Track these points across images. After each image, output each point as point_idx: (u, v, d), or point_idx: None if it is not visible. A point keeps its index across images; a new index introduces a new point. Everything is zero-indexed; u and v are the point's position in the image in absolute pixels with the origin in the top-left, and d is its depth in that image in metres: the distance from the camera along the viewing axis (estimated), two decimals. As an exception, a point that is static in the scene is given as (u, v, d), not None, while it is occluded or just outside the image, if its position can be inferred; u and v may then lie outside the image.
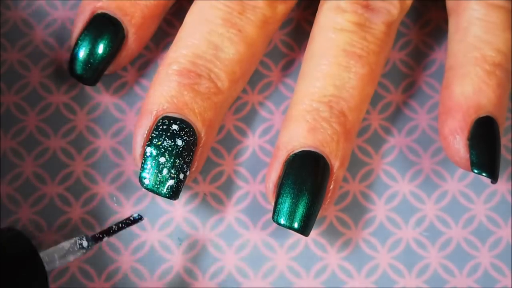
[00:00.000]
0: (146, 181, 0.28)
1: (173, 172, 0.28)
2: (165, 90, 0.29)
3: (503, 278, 0.30)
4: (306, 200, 0.28)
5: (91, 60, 0.30)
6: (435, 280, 0.30)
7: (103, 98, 0.32)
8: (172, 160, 0.28)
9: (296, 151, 0.29)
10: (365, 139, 0.32)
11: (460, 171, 0.32)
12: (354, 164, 0.32)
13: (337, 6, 0.30)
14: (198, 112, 0.29)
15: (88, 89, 0.32)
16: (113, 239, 0.30)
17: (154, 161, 0.28)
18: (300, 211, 0.28)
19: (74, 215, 0.31)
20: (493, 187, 0.31)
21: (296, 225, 0.28)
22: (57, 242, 0.30)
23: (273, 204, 0.28)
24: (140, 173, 0.28)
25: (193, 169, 0.29)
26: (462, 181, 0.31)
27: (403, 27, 0.34)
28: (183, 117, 0.28)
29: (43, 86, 0.32)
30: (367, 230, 0.31)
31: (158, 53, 0.33)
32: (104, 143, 0.32)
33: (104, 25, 0.30)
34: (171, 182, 0.28)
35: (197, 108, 0.29)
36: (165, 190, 0.28)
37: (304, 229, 0.28)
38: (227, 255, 0.30)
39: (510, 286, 0.30)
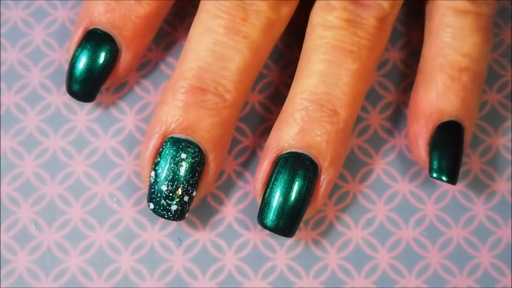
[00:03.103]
0: (151, 206, 0.28)
1: (177, 195, 0.28)
2: (172, 109, 0.28)
3: (503, 278, 0.30)
4: (292, 201, 0.28)
5: (87, 77, 0.30)
6: (435, 280, 0.30)
7: (103, 98, 0.32)
8: (176, 184, 0.28)
9: (284, 152, 0.29)
10: (365, 139, 0.32)
11: (460, 171, 0.31)
12: (354, 164, 0.32)
13: (327, 4, 0.30)
14: (206, 131, 0.28)
15: (88, 89, 0.32)
16: (113, 238, 0.30)
17: (157, 187, 0.28)
18: (287, 212, 0.28)
19: (74, 215, 0.31)
20: (493, 187, 0.31)
21: (284, 226, 0.28)
22: (57, 243, 0.30)
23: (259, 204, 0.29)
24: (148, 196, 0.28)
25: (205, 188, 0.29)
26: (462, 181, 0.31)
27: (403, 27, 0.34)
28: (189, 138, 0.28)
29: (43, 86, 0.32)
30: (367, 230, 0.31)
31: (158, 53, 0.33)
32: (104, 143, 0.32)
33: (97, 41, 0.30)
34: (174, 207, 0.28)
35: (204, 127, 0.28)
36: (169, 214, 0.28)
37: (290, 231, 0.28)
38: (227, 255, 0.30)
39: (510, 286, 0.30)
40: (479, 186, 0.31)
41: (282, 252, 0.31)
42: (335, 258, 0.30)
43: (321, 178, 0.29)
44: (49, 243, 0.30)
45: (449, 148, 0.29)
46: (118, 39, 0.30)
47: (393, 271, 0.30)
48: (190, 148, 0.28)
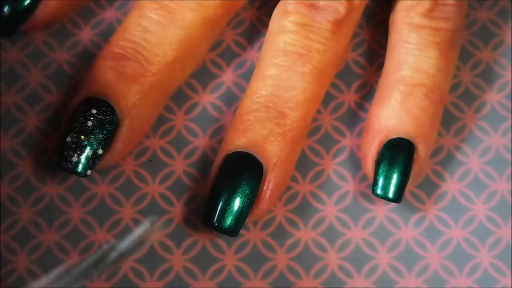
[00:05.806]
0: (55, 158, 0.28)
1: (80, 148, 0.28)
2: (94, 73, 0.29)
3: (503, 278, 0.30)
4: (236, 201, 0.28)
5: (7, 15, 0.30)
6: (435, 280, 0.30)
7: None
8: (79, 137, 0.28)
9: (230, 152, 0.29)
10: (365, 139, 0.32)
11: (460, 171, 0.32)
12: (354, 164, 0.32)
13: (283, 9, 0.30)
14: (120, 92, 0.29)
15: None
16: (113, 239, 0.30)
17: (63, 139, 0.28)
18: (230, 212, 0.28)
19: (74, 215, 0.31)
20: (493, 187, 0.31)
21: (226, 225, 0.28)
22: (57, 243, 0.30)
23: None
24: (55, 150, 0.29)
25: (114, 150, 0.29)
26: (462, 181, 0.31)
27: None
28: (102, 97, 0.28)
29: (43, 86, 0.32)
30: (367, 230, 0.31)
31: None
32: (104, 143, 0.32)
33: None
34: (75, 158, 0.28)
35: (118, 89, 0.29)
36: (69, 166, 0.28)
37: (233, 231, 0.28)
38: (227, 255, 0.30)
39: (510, 286, 0.30)
40: (479, 186, 0.31)
41: (282, 252, 0.31)
42: (335, 258, 0.30)
43: (267, 178, 0.29)
44: (49, 243, 0.30)
45: (394, 166, 0.29)
46: None
47: (393, 271, 0.30)
48: (102, 106, 0.28)
